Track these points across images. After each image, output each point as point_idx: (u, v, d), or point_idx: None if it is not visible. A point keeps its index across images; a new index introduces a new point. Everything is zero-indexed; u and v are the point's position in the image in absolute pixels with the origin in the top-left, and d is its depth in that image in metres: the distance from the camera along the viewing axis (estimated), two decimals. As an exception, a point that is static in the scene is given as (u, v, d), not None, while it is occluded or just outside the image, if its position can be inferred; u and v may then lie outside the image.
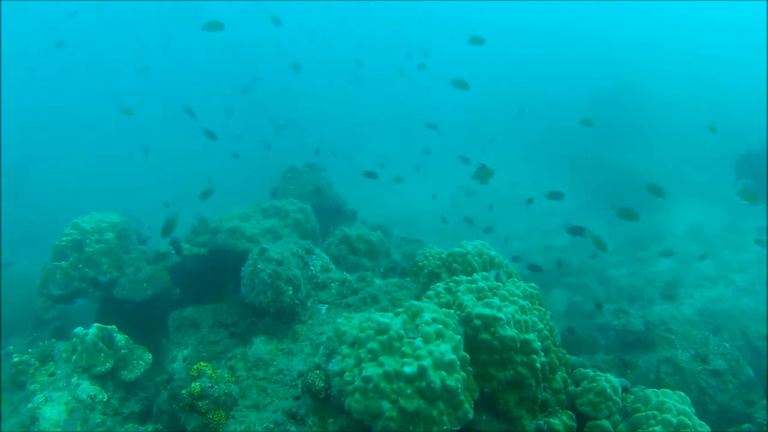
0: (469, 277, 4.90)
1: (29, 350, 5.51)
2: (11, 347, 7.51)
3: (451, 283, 4.92)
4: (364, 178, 12.62)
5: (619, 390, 4.70)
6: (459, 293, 4.65)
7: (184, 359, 6.54)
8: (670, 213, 17.34)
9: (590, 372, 5.01)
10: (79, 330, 5.39)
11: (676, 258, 14.57)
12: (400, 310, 4.37)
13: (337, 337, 4.21)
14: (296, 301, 5.32)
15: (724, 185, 18.29)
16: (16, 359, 5.29)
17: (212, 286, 7.81)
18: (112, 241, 7.05)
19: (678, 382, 9.19)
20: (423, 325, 4.10)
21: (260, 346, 5.24)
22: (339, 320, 4.28)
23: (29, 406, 5.02)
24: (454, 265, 5.28)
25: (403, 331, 4.04)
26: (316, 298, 5.68)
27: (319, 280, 5.80)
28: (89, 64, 35.93)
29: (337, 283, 5.85)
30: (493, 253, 5.44)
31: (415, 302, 4.35)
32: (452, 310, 4.30)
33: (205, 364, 4.56)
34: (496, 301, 4.53)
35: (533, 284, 5.10)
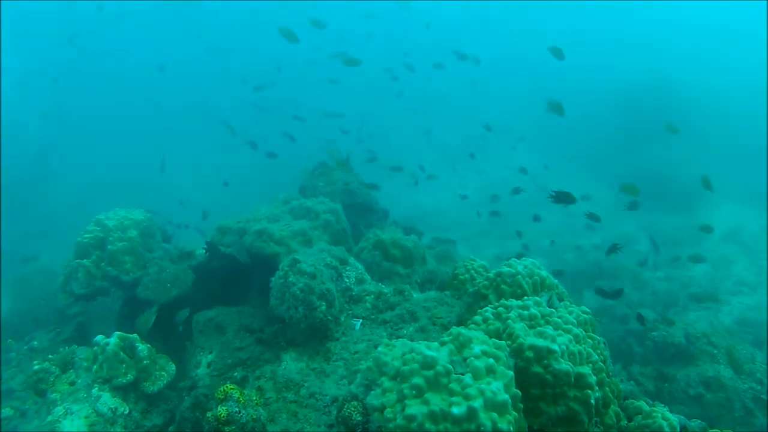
0: (520, 302, 4.42)
1: (49, 356, 5.19)
2: (35, 342, 7.29)
3: (500, 308, 4.46)
4: (390, 172, 12.12)
5: (678, 429, 4.22)
6: (510, 321, 4.20)
7: (209, 365, 6.19)
8: (707, 215, 16.48)
9: (644, 406, 4.55)
10: (99, 338, 5.04)
11: (712, 262, 13.83)
12: (446, 339, 3.93)
13: (377, 367, 3.76)
14: (329, 317, 4.88)
15: (763, 187, 17.35)
16: (37, 367, 4.98)
17: (238, 288, 7.44)
18: (135, 239, 6.70)
19: (721, 400, 8.60)
20: (472, 358, 3.66)
21: (290, 364, 4.83)
22: (380, 349, 3.83)
23: (49, 418, 4.72)
24: (503, 286, 4.78)
25: (450, 366, 3.59)
26: (350, 312, 5.24)
27: (354, 293, 5.36)
28: (114, 58, 35.46)
29: (373, 296, 5.39)
30: (544, 273, 4.93)
31: (463, 331, 3.89)
32: (503, 341, 3.83)
33: (232, 387, 4.17)
34: (549, 330, 4.09)
35: (585, 308, 4.66)
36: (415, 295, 5.46)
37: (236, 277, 7.39)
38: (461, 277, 5.70)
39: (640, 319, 8.35)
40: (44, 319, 7.60)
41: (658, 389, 9.14)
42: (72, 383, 5.04)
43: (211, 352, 6.36)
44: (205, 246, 6.28)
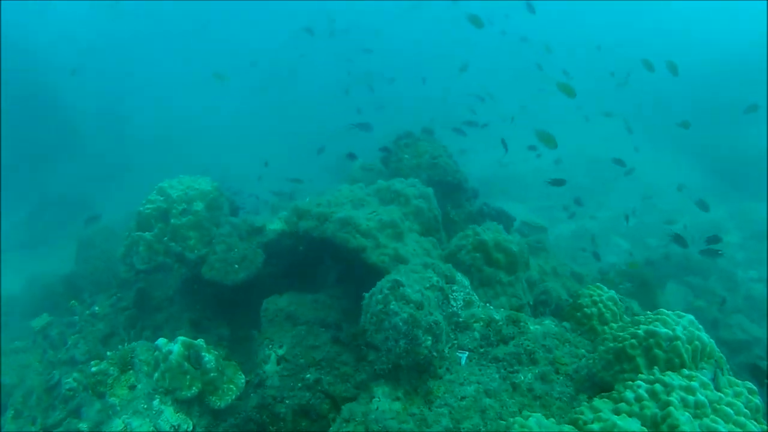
0: (683, 381, 3.30)
1: (108, 353, 4.37)
2: (96, 307, 6.64)
3: (657, 386, 3.33)
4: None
5: None
6: (672, 408, 3.12)
7: (278, 361, 5.34)
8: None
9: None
10: (161, 342, 4.15)
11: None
12: (594, 428, 2.84)
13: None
14: (434, 354, 3.77)
15: None
16: (95, 368, 4.20)
17: (312, 273, 6.45)
18: (201, 213, 5.72)
19: None
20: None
21: (383, 403, 3.82)
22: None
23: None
24: (656, 351, 3.56)
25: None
26: (455, 342, 4.13)
27: (461, 320, 4.20)
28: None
29: (482, 323, 4.24)
30: (705, 337, 3.68)
31: (618, 422, 2.81)
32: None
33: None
34: (720, 427, 3.00)
35: (751, 385, 3.57)
36: (531, 329, 4.26)
37: (311, 260, 6.39)
38: (586, 310, 4.48)
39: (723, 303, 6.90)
40: (105, 283, 6.93)
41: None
42: (131, 387, 4.24)
43: (281, 347, 5.49)
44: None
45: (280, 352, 5.51)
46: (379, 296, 3.83)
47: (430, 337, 3.78)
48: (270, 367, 5.40)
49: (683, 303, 10.13)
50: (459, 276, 4.41)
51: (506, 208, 7.31)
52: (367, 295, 4.07)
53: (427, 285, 4.05)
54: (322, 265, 6.40)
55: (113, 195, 13.55)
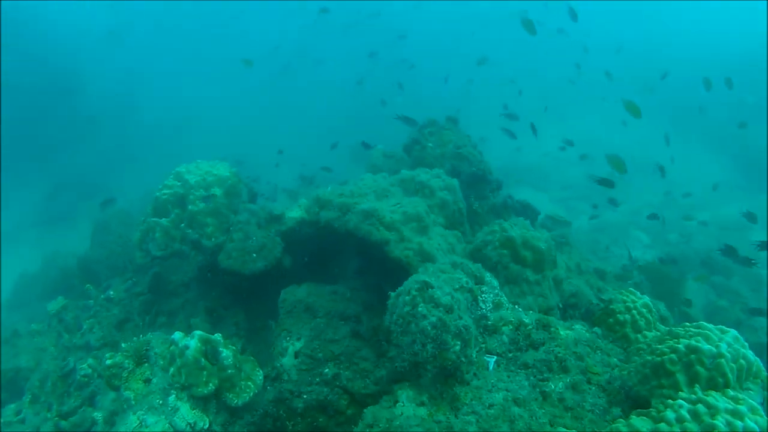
0: (730, 404, 3.04)
1: (123, 345, 4.22)
2: (111, 291, 6.50)
3: (700, 407, 3.09)
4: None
5: None
6: None
7: (296, 354, 5.17)
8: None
9: None
10: (177, 336, 3.97)
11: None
12: None
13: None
14: (463, 359, 3.54)
15: None
16: (109, 361, 4.05)
17: (331, 260, 6.24)
18: (219, 199, 5.50)
19: None
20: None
21: (408, 408, 3.62)
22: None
23: (123, 429, 3.78)
24: (698, 368, 3.30)
25: None
26: (483, 345, 3.89)
27: (489, 323, 3.95)
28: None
29: (511, 327, 4.00)
30: (751, 355, 3.41)
31: None
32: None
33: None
34: None
35: None
36: (562, 334, 4.01)
37: (330, 250, 6.16)
38: (619, 317, 4.22)
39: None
40: (121, 267, 6.78)
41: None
42: (147, 381, 4.09)
43: (299, 339, 5.31)
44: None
45: (298, 345, 5.33)
46: (407, 297, 3.59)
47: (459, 342, 3.54)
48: (287, 361, 5.23)
49: (702, 298, 9.79)
50: (488, 276, 4.15)
51: (531, 201, 6.99)
52: (392, 294, 3.83)
53: (456, 286, 3.80)
54: (341, 254, 6.18)
55: (129, 177, 13.42)
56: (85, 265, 7.05)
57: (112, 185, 13.15)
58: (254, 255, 5.44)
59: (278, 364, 5.21)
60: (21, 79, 13.97)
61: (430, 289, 3.55)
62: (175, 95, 20.27)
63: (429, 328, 3.46)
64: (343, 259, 6.15)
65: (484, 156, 6.89)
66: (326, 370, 5.02)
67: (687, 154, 15.22)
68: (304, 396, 4.87)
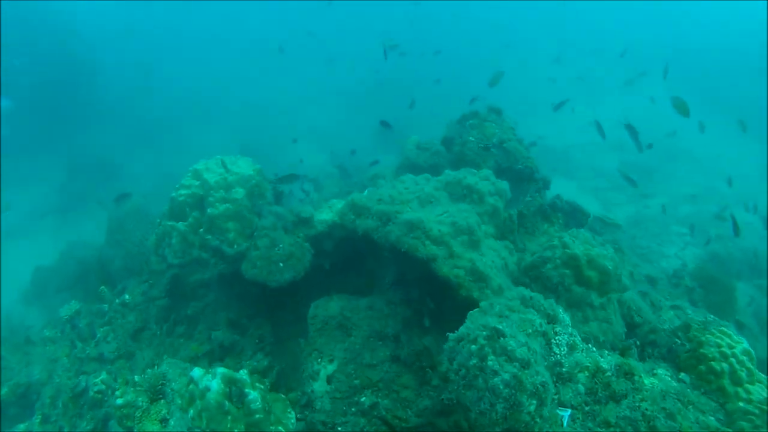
0: None
1: (136, 378, 3.58)
2: (127, 296, 5.87)
3: None
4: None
5: None
6: None
7: (329, 379, 4.52)
8: None
9: None
10: (197, 374, 3.32)
11: None
12: None
13: None
14: (537, 420, 2.81)
15: None
16: (120, 401, 3.41)
17: (364, 265, 5.52)
18: (241, 202, 4.77)
19: None
20: None
21: (467, 472, 2.90)
22: None
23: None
24: None
25: None
26: (556, 397, 3.14)
27: (564, 370, 3.21)
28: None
29: (587, 373, 3.27)
30: None
31: None
32: None
33: None
34: None
35: None
36: (646, 382, 3.28)
37: (367, 258, 5.43)
38: (714, 365, 3.47)
39: None
40: (137, 268, 6.14)
41: None
42: (163, 421, 3.44)
43: (331, 361, 4.65)
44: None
45: (331, 368, 4.67)
46: (473, 347, 2.85)
47: (534, 401, 2.82)
48: (319, 386, 4.57)
49: (746, 301, 8.92)
50: (561, 312, 3.39)
51: (579, 202, 6.15)
52: (452, 337, 3.10)
53: (530, 330, 3.05)
54: (375, 259, 5.46)
55: (147, 160, 12.73)
56: (101, 262, 6.46)
57: (128, 170, 12.53)
58: (281, 264, 4.74)
59: (309, 390, 4.57)
60: (36, 61, 13.26)
61: (501, 339, 2.81)
62: (196, 76, 19.34)
63: (501, 386, 2.74)
64: (378, 265, 5.43)
65: (532, 159, 6.02)
66: (363, 399, 4.36)
67: (728, 141, 14.09)
68: (339, 428, 4.23)
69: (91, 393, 4.71)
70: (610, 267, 4.36)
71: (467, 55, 20.02)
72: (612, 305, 4.40)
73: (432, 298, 4.85)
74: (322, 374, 4.68)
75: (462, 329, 3.05)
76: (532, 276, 4.48)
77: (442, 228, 4.19)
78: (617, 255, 6.13)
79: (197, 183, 4.84)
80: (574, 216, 6.11)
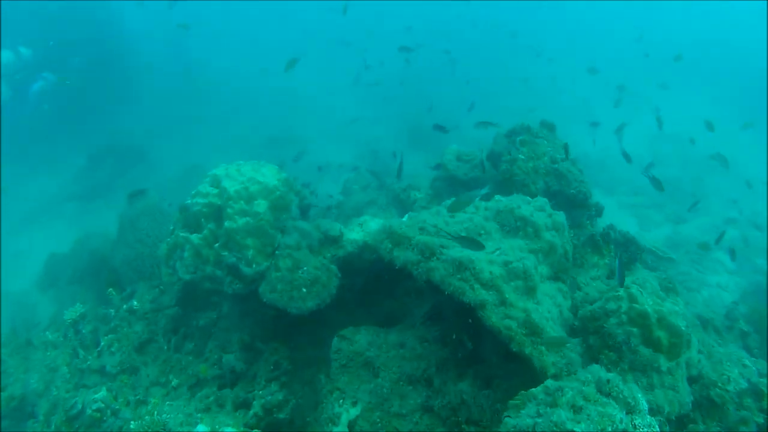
0: None
1: (132, 425, 2.94)
2: (135, 302, 5.28)
3: None
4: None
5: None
6: None
7: (350, 425, 3.87)
8: None
9: None
10: (201, 434, 2.65)
11: None
12: None
13: None
14: None
15: None
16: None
17: (397, 292, 4.84)
18: (263, 216, 4.11)
19: None
20: None
21: None
22: None
23: None
24: None
25: None
26: None
27: (648, 474, 2.50)
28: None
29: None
30: None
31: None
32: None
33: None
34: None
35: None
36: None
37: (400, 282, 4.74)
38: None
39: None
40: (148, 271, 5.55)
41: None
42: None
43: (355, 404, 4.02)
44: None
45: (354, 412, 4.03)
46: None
47: None
48: (340, 431, 3.95)
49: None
50: (641, 400, 2.65)
51: (633, 234, 5.36)
52: (510, 424, 2.40)
53: (609, 430, 2.33)
54: (408, 287, 4.77)
55: (174, 146, 12.10)
56: (111, 263, 5.90)
57: (156, 156, 11.96)
58: (304, 290, 4.07)
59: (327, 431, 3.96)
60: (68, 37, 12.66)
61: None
62: (230, 68, 18.52)
63: None
64: (412, 292, 4.74)
65: (586, 183, 5.22)
66: (388, 454, 3.73)
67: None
68: (359, 488, 3.63)
69: (89, 411, 4.15)
70: (682, 327, 3.61)
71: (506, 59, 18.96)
72: (680, 370, 3.66)
73: (471, 337, 4.17)
74: (344, 419, 4.05)
75: (525, 421, 2.36)
76: (592, 328, 3.76)
77: (494, 269, 3.46)
78: (670, 294, 5.36)
79: (215, 191, 4.18)
80: (627, 249, 5.33)
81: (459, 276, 3.42)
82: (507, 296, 3.43)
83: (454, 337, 4.11)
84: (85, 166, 11.49)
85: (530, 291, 3.53)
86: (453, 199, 4.12)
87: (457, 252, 3.48)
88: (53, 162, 11.88)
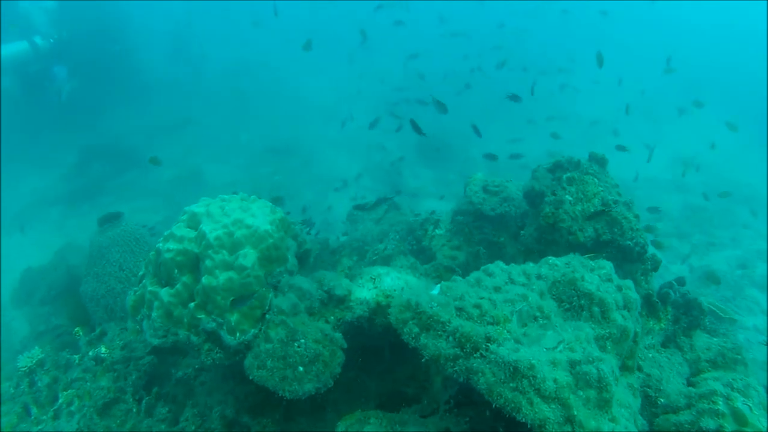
0: None
1: None
2: (103, 348, 4.23)
3: None
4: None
5: None
6: None
7: None
8: None
9: None
10: None
11: None
12: None
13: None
14: None
15: None
16: None
17: (416, 360, 3.78)
18: (251, 271, 3.08)
19: None
20: None
21: None
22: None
23: None
24: None
25: None
26: None
27: None
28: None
29: None
30: None
31: None
32: None
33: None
34: None
35: None
36: None
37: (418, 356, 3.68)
38: None
39: None
40: (120, 311, 4.50)
41: None
42: None
43: None
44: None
45: None
46: None
47: None
48: None
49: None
50: None
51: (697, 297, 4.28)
52: None
53: None
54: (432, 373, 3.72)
55: (173, 153, 10.95)
56: (78, 295, 4.87)
57: (145, 156, 10.85)
58: (300, 369, 3.02)
59: None
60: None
61: None
62: (235, 72, 17.27)
63: None
64: (437, 375, 3.68)
65: (642, 232, 4.14)
66: None
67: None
68: None
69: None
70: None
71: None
72: None
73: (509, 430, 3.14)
74: None
75: None
76: (677, 448, 2.72)
77: (559, 376, 2.40)
78: (738, 368, 4.28)
79: (191, 235, 3.13)
80: (689, 311, 4.26)
81: (514, 386, 2.36)
82: (575, 413, 2.37)
83: (487, 427, 3.08)
84: (75, 165, 10.39)
85: (604, 404, 2.46)
86: (496, 263, 3.03)
87: (511, 350, 2.41)
88: (47, 160, 10.77)
